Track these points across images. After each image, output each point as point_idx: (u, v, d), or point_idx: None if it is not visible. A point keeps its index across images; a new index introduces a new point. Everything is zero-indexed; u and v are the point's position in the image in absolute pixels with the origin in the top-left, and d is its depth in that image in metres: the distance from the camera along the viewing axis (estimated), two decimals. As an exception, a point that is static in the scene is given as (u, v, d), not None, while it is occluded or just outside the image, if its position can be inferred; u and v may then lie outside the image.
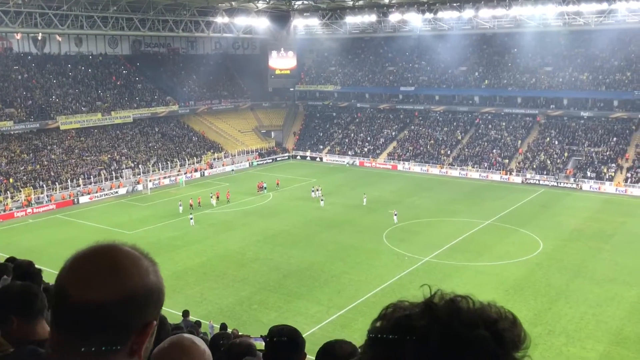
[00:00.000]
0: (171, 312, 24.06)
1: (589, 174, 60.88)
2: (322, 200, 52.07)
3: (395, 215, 45.83)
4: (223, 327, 16.21)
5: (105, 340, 1.33)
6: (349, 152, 77.13)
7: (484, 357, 1.04)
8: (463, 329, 1.05)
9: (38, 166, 59.22)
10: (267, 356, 3.36)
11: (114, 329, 1.34)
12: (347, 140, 79.89)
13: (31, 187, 54.86)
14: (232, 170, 69.82)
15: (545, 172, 62.86)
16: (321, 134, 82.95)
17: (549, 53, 74.26)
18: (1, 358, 2.65)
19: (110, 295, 1.32)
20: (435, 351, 1.03)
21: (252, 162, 74.47)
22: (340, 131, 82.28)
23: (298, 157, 79.27)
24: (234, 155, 74.30)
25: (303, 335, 3.55)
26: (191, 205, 50.55)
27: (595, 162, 62.33)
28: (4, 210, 50.61)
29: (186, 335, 2.18)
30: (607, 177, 59.74)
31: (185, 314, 17.18)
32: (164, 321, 2.84)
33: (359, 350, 1.17)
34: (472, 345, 1.04)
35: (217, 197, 53.24)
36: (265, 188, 57.33)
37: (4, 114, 61.94)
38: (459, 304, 1.12)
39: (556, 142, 67.39)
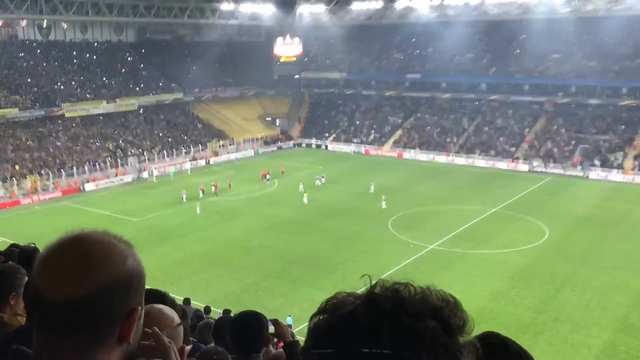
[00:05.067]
0: (177, 297, 24.17)
1: (596, 162, 60.53)
2: (305, 195, 48.59)
3: (384, 201, 45.94)
4: (226, 312, 16.23)
5: (89, 334, 1.28)
6: (355, 140, 76.91)
7: (434, 348, 1.01)
8: (411, 321, 1.02)
9: (44, 153, 59.34)
10: (233, 339, 3.49)
11: (97, 322, 1.29)
12: (352, 128, 79.65)
13: (37, 174, 55.02)
14: (236, 158, 69.65)
15: (552, 160, 62.54)
16: (326, 122, 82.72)
17: (557, 40, 73.46)
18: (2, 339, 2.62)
19: (87, 289, 1.26)
20: (386, 346, 1.00)
21: (257, 150, 74.40)
22: (345, 119, 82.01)
23: (303, 145, 79.11)
24: (239, 143, 74.23)
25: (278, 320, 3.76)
26: (203, 190, 51.28)
27: (603, 150, 61.94)
28: (10, 198, 50.81)
29: (156, 305, 2.20)
30: (614, 165, 59.40)
31: (187, 301, 17.22)
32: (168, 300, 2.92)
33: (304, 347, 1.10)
34: (422, 337, 1.01)
35: (216, 187, 52.92)
36: (268, 179, 56.76)
37: (9, 102, 62.02)
38: (402, 294, 1.07)
39: (563, 130, 66.98)
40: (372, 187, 51.49)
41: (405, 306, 1.04)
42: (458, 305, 1.10)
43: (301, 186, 51.71)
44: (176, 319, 2.10)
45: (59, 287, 1.26)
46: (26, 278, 3.38)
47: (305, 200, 47.88)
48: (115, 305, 1.30)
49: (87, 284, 1.26)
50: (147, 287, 1.50)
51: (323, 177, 55.76)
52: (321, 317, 1.09)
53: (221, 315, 14.80)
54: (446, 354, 1.02)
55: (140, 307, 1.37)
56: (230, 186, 54.26)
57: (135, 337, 1.38)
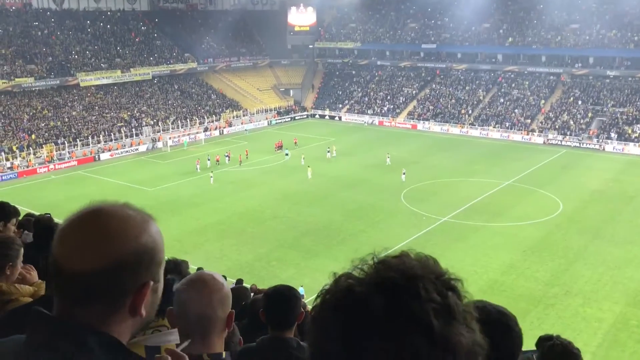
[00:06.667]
0: (191, 267, 24.53)
1: (612, 134, 59.79)
2: (309, 169, 47.52)
3: (404, 174, 45.76)
4: (239, 282, 16.43)
5: (101, 304, 1.35)
6: (369, 111, 76.47)
7: (459, 316, 1.04)
8: (440, 298, 1.04)
9: (59, 123, 59.79)
10: (266, 312, 3.50)
11: (108, 294, 1.35)
12: (366, 99, 79.14)
13: (53, 144, 55.54)
14: (246, 130, 69.32)
15: (568, 133, 61.88)
16: (340, 93, 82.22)
17: (576, 9, 72.07)
18: (9, 317, 2.72)
19: (99, 263, 1.32)
20: (437, 331, 1.01)
21: (270, 121, 74.30)
22: (359, 90, 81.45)
23: (317, 116, 78.85)
24: (253, 114, 74.14)
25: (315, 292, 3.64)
26: (217, 161, 51.88)
27: (620, 123, 61.11)
28: (27, 166, 51.45)
29: (207, 271, 2.36)
30: (632, 138, 58.63)
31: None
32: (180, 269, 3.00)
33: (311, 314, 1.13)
34: (452, 310, 1.04)
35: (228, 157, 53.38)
36: (286, 153, 56.31)
37: (25, 71, 62.34)
38: (415, 271, 1.08)
39: (580, 102, 66.06)
40: (388, 159, 51.31)
41: (428, 285, 1.05)
42: (438, 263, 1.12)
43: (302, 160, 51.25)
44: (225, 285, 2.25)
45: (73, 258, 1.33)
46: (22, 249, 3.50)
47: (309, 174, 47.07)
48: (126, 279, 1.35)
49: (98, 257, 1.32)
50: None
51: (335, 150, 55.33)
52: (327, 297, 1.10)
53: (234, 285, 15.02)
54: (466, 319, 1.06)
55: (152, 282, 1.41)
56: (247, 157, 54.34)
57: (150, 309, 1.43)
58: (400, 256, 1.11)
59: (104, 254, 1.33)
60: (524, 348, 4.92)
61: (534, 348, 4.57)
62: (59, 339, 1.31)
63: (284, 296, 3.53)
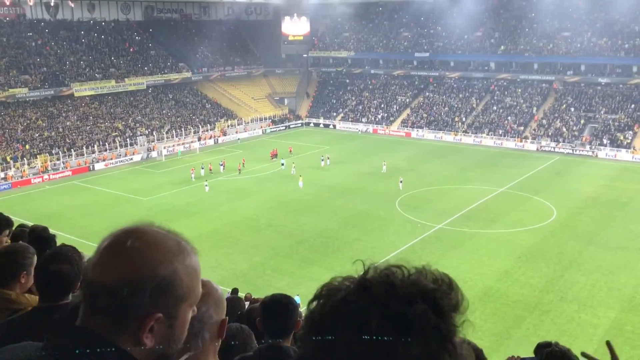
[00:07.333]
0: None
1: (605, 141, 60.16)
2: (300, 179, 47.20)
3: (401, 182, 45.81)
4: (234, 292, 16.37)
5: (109, 321, 1.36)
6: (363, 120, 76.70)
7: (425, 331, 1.00)
8: (400, 306, 1.01)
9: (53, 133, 59.65)
10: (263, 321, 3.51)
11: (112, 313, 1.35)
12: (360, 107, 79.37)
13: (47, 154, 55.38)
14: (239, 139, 69.06)
15: (561, 140, 62.20)
16: (334, 101, 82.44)
17: (567, 18, 72.70)
18: (17, 319, 2.76)
19: (111, 280, 1.34)
20: (375, 333, 0.99)
21: (265, 130, 74.35)
22: (353, 98, 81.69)
23: (311, 125, 78.99)
24: (247, 123, 74.19)
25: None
26: (211, 170, 51.94)
27: (612, 130, 61.52)
28: (21, 177, 51.26)
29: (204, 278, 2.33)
30: (624, 144, 59.02)
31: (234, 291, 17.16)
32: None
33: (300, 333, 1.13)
34: (411, 322, 1.00)
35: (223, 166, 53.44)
36: (282, 163, 56.18)
37: (19, 81, 62.23)
38: (393, 278, 1.06)
39: (572, 109, 66.48)
40: (384, 167, 51.38)
41: (395, 291, 1.03)
42: (452, 285, 1.08)
43: (293, 169, 50.97)
44: (219, 289, 2.23)
45: (95, 270, 1.37)
46: (35, 257, 3.50)
47: (300, 184, 46.75)
48: (129, 304, 1.35)
49: (109, 274, 1.35)
50: None
51: (328, 158, 55.40)
52: (316, 304, 1.11)
53: (230, 294, 14.97)
54: (437, 336, 1.01)
55: (161, 315, 1.38)
56: (244, 165, 54.17)
57: (164, 343, 1.41)
58: (396, 266, 1.09)
59: (114, 273, 1.34)
60: (522, 355, 4.95)
61: (532, 355, 4.58)
62: (75, 345, 1.34)
63: (282, 305, 3.57)
